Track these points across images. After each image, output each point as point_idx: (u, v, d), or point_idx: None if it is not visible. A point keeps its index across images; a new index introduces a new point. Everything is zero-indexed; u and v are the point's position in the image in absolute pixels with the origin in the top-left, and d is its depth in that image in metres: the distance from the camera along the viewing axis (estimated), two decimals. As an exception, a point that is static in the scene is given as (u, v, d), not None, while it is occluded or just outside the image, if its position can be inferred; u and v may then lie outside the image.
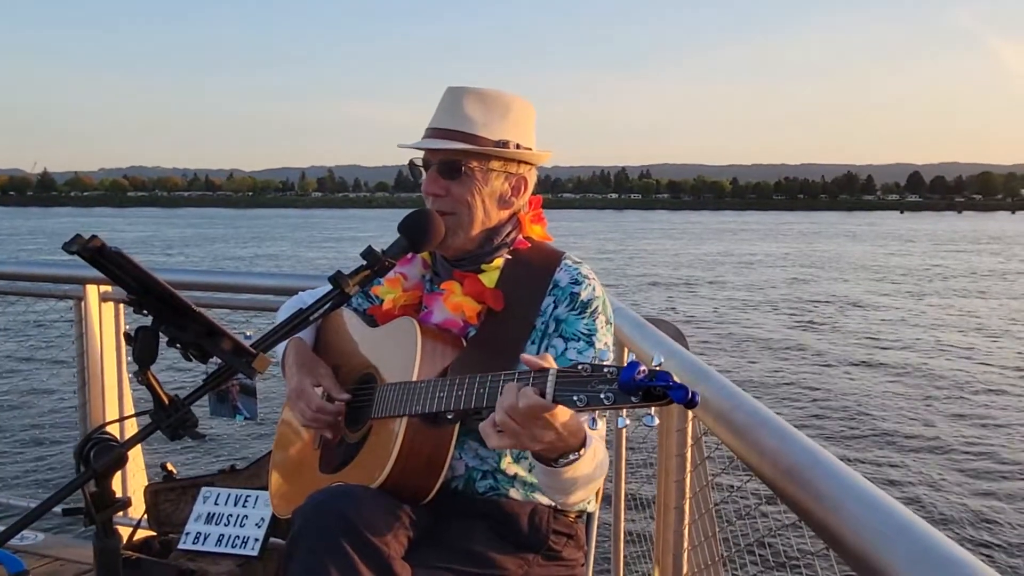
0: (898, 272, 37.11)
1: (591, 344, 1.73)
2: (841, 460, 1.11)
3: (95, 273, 3.58)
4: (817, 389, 13.43)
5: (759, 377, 14.17)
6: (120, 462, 1.30)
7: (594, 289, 1.78)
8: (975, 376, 14.78)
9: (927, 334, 19.38)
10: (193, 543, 2.92)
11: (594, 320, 1.75)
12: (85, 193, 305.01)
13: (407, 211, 1.75)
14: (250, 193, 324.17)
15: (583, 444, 1.47)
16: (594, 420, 1.32)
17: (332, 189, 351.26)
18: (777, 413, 1.39)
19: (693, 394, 1.22)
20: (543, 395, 1.33)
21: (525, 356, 1.42)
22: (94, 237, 1.17)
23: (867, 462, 9.62)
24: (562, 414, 1.37)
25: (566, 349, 1.72)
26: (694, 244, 59.07)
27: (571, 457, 1.47)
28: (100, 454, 1.29)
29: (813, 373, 14.73)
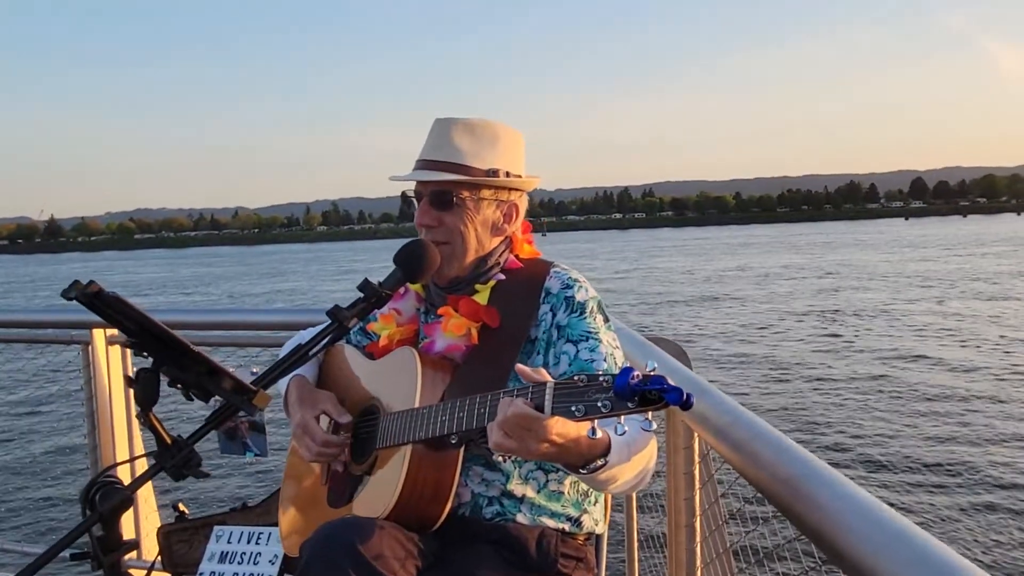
0: (922, 277, 36.12)
1: (599, 340, 1.74)
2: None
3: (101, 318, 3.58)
4: (853, 415, 12.78)
5: (793, 403, 13.23)
6: (126, 504, 1.31)
7: (587, 291, 1.80)
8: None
9: (959, 345, 18.47)
10: (208, 583, 2.91)
11: (594, 319, 1.77)
12: (92, 238, 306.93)
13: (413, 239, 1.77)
14: (256, 230, 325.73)
15: (607, 450, 1.47)
16: (594, 430, 1.32)
17: (336, 222, 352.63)
18: (809, 445, 1.38)
19: (688, 395, 1.22)
20: (541, 409, 1.34)
21: (520, 367, 1.43)
22: (91, 283, 1.19)
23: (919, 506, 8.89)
24: (558, 425, 1.36)
25: (577, 352, 1.73)
26: (707, 260, 58.47)
27: (597, 463, 1.47)
28: (106, 497, 1.31)
29: (846, 395, 13.82)
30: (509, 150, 1.83)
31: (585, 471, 1.48)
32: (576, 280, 1.81)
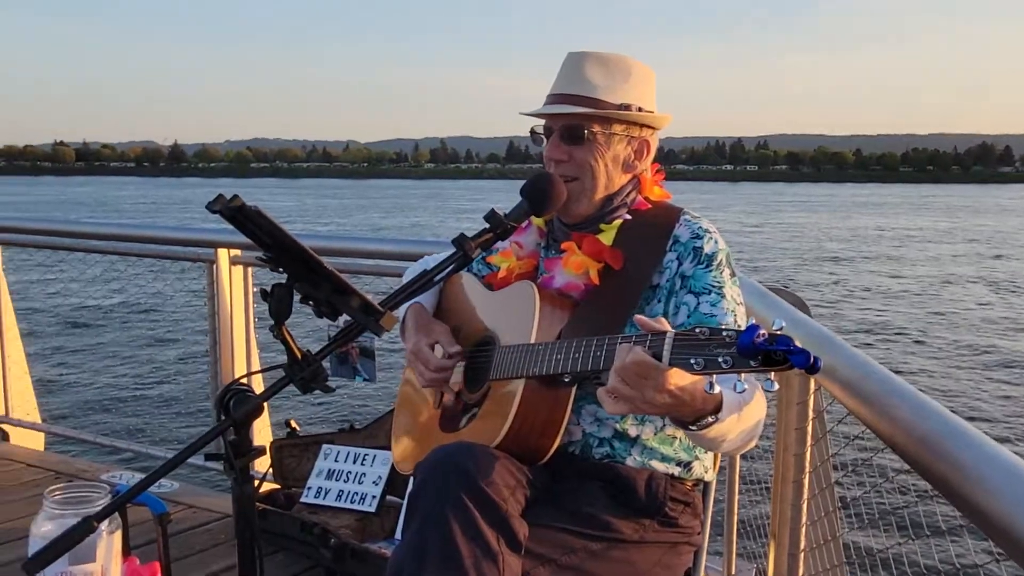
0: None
1: (722, 295, 1.71)
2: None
3: (226, 238, 3.74)
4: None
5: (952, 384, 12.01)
6: (257, 412, 1.37)
7: (716, 242, 1.75)
8: None
9: None
10: (315, 497, 3.04)
11: (721, 272, 1.73)
12: (212, 164, 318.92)
13: (519, 181, 1.76)
14: (365, 164, 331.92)
15: (719, 407, 1.44)
16: (711, 384, 1.30)
17: (444, 160, 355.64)
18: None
19: (815, 359, 1.18)
20: (659, 358, 1.33)
21: (639, 317, 1.41)
22: (235, 196, 1.22)
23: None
24: (675, 376, 1.34)
25: (698, 304, 1.70)
26: (840, 218, 55.62)
27: (708, 420, 1.44)
28: (239, 404, 1.36)
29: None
30: (642, 85, 1.79)
31: (695, 427, 1.46)
32: (707, 230, 1.76)
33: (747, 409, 1.52)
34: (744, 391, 1.26)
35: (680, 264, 1.73)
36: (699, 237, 1.75)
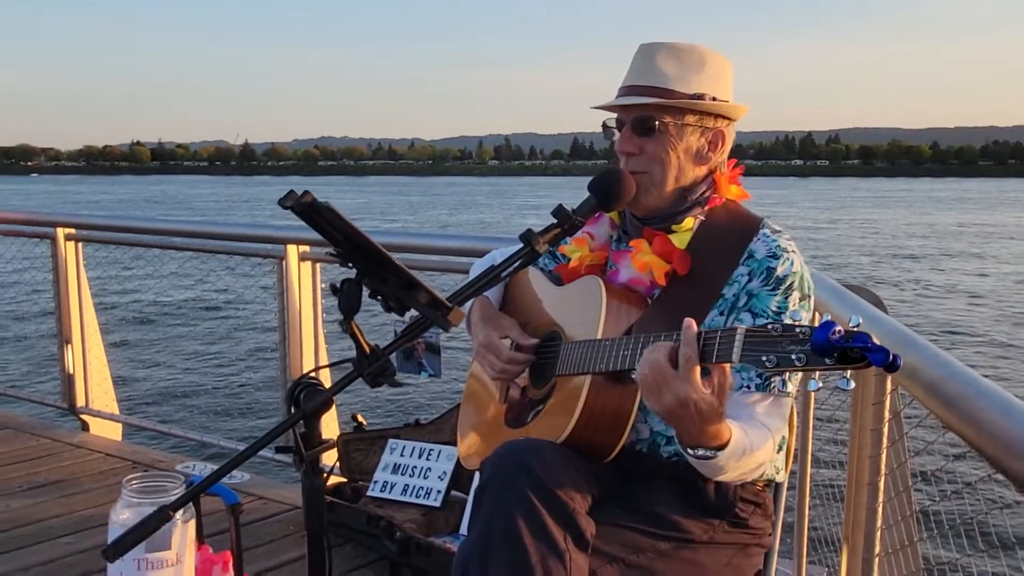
0: None
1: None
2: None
3: (295, 234, 3.81)
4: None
5: None
6: (327, 405, 1.38)
7: (792, 264, 1.68)
8: None
9: None
10: (381, 491, 3.08)
11: (786, 298, 1.66)
12: (281, 163, 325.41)
13: (584, 178, 1.74)
14: (430, 161, 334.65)
15: (722, 447, 1.47)
16: (784, 382, 1.27)
17: (508, 157, 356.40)
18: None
19: (895, 357, 1.14)
20: (729, 354, 1.30)
21: (687, 320, 1.41)
22: (306, 192, 1.24)
23: None
24: (695, 386, 1.36)
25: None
26: (917, 214, 53.80)
27: (707, 453, 1.47)
28: (309, 397, 1.37)
29: None
30: (716, 75, 1.74)
31: (691, 451, 1.48)
32: (784, 250, 1.69)
33: (748, 458, 1.54)
34: (788, 390, 1.28)
35: (750, 280, 1.68)
36: (775, 257, 1.68)
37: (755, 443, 1.55)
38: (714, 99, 1.73)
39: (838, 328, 1.18)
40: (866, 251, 29.92)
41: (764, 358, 1.26)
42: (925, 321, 15.92)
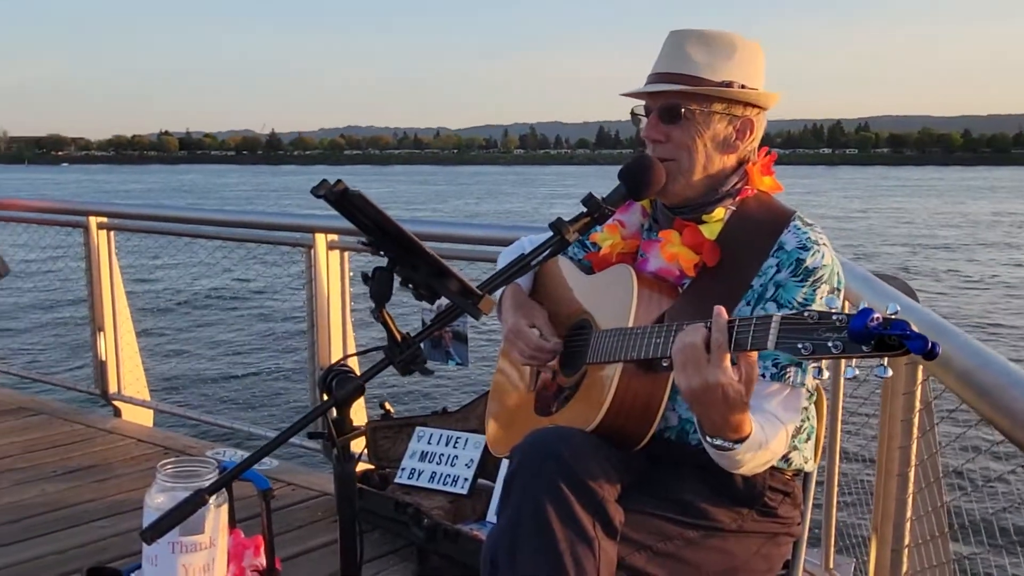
0: None
1: None
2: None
3: (324, 223, 3.83)
4: None
5: None
6: (358, 392, 1.39)
7: (822, 256, 1.67)
8: None
9: None
10: (408, 478, 3.10)
11: (814, 291, 1.65)
12: (307, 152, 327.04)
13: (609, 167, 1.73)
14: (455, 150, 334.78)
15: (741, 440, 1.47)
16: (820, 370, 1.27)
17: (534, 146, 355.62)
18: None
19: (933, 344, 1.14)
20: (764, 342, 1.30)
21: (717, 308, 1.41)
22: (339, 181, 1.25)
23: None
24: (726, 369, 1.37)
25: None
26: (950, 203, 52.76)
27: (725, 444, 1.48)
28: (341, 384, 1.39)
29: None
30: (746, 62, 1.73)
31: (710, 438, 1.49)
32: (815, 243, 1.68)
33: (762, 452, 1.55)
34: (823, 377, 1.27)
35: (778, 271, 1.67)
36: (805, 248, 1.67)
37: (769, 437, 1.55)
38: (743, 87, 1.71)
39: (876, 315, 1.18)
40: (900, 241, 29.51)
41: (800, 345, 1.25)
42: (961, 312, 15.70)
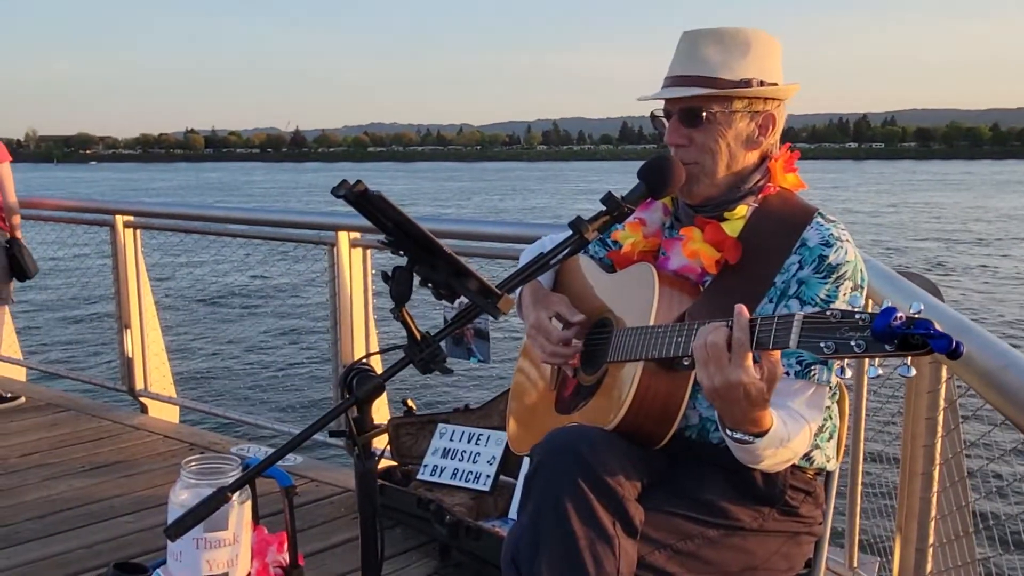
0: None
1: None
2: None
3: (346, 221, 3.86)
4: None
5: None
6: (379, 391, 1.40)
7: (845, 253, 1.66)
8: None
9: None
10: (431, 475, 3.12)
11: (837, 287, 1.64)
12: (331, 149, 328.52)
13: (633, 163, 1.73)
14: (478, 147, 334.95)
15: (762, 433, 1.47)
16: (843, 369, 1.27)
17: (557, 142, 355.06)
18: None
19: (958, 344, 1.13)
20: (786, 340, 1.30)
21: (738, 307, 1.40)
22: (359, 182, 1.26)
23: None
24: (748, 368, 1.37)
25: None
26: (981, 197, 51.76)
27: (745, 437, 1.48)
28: (362, 383, 1.40)
29: None
30: (763, 57, 1.71)
31: (731, 432, 1.49)
32: (837, 239, 1.67)
33: (784, 448, 1.55)
34: (846, 376, 1.26)
35: (801, 268, 1.66)
36: (828, 245, 1.66)
37: (792, 434, 1.55)
38: (762, 83, 1.70)
39: (899, 314, 1.17)
40: (932, 236, 29.13)
41: (822, 344, 1.25)
42: (990, 308, 15.47)
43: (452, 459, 3.14)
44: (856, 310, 1.23)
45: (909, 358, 1.18)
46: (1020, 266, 21.66)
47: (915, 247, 25.76)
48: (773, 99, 1.74)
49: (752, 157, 1.76)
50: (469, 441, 3.16)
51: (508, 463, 3.02)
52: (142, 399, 4.70)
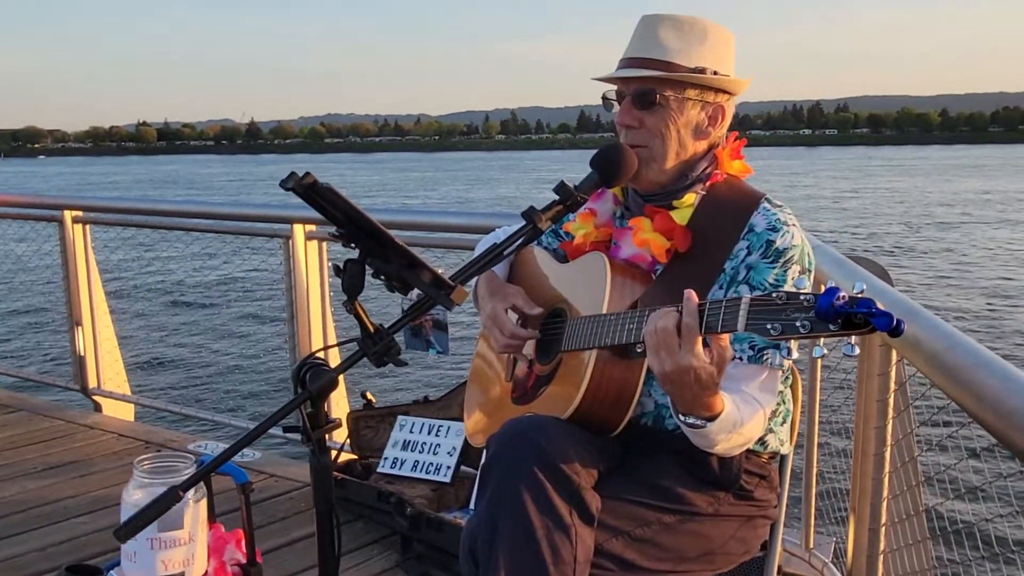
0: None
1: None
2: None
3: (301, 213, 3.81)
4: None
5: None
6: (332, 385, 1.39)
7: (792, 237, 1.68)
8: None
9: None
10: (391, 468, 3.11)
11: (785, 271, 1.66)
12: (287, 140, 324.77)
13: (591, 152, 1.73)
14: (436, 137, 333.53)
15: (713, 417, 1.49)
16: (789, 350, 1.29)
17: (515, 131, 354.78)
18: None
19: (899, 321, 1.15)
20: (734, 323, 1.32)
21: (687, 292, 1.42)
22: (307, 174, 1.24)
23: None
24: (698, 352, 1.39)
25: None
26: (937, 181, 52.73)
27: (696, 422, 1.50)
28: (315, 377, 1.39)
29: None
30: (718, 48, 1.73)
31: (683, 417, 1.51)
32: (784, 224, 1.69)
33: (738, 432, 1.57)
34: (793, 357, 1.29)
35: (749, 254, 1.68)
36: (775, 230, 1.68)
37: (745, 418, 1.57)
38: (715, 73, 1.72)
39: (842, 294, 1.19)
40: (897, 219, 29.63)
41: (769, 326, 1.27)
42: (971, 291, 15.72)
43: (412, 451, 3.14)
44: (801, 291, 1.25)
45: (853, 337, 1.20)
46: (987, 248, 22.06)
47: (883, 232, 26.15)
48: (724, 92, 1.76)
49: (700, 146, 1.78)
50: (429, 433, 3.16)
51: (468, 454, 3.02)
52: (95, 397, 4.61)
